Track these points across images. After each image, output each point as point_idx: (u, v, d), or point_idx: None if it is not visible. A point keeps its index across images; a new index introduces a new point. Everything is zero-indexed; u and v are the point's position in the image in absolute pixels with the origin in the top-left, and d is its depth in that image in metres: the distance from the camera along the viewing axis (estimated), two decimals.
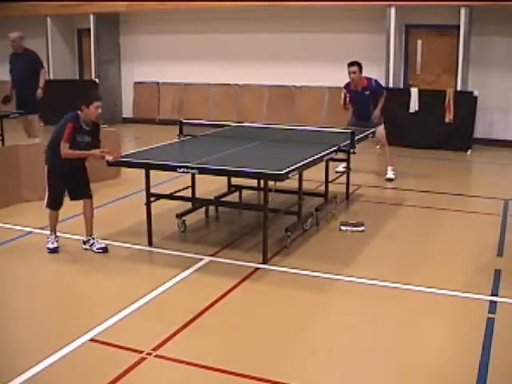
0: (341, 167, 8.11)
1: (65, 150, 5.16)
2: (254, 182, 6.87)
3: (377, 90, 8.16)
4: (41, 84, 9.39)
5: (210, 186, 7.10)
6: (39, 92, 9.40)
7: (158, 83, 13.82)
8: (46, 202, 5.42)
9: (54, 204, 5.42)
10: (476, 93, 10.40)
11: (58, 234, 5.55)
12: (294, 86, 12.57)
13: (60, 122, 5.27)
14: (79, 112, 5.22)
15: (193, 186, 6.36)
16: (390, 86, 11.07)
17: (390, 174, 8.23)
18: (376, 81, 8.28)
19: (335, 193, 6.87)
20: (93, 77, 13.46)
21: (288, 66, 12.44)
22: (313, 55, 12.19)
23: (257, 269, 5.08)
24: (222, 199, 6.64)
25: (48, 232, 5.53)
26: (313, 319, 4.32)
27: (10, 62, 9.66)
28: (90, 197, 5.45)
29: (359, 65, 8.05)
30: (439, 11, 10.88)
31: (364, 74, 8.15)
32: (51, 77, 13.83)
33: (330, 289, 4.82)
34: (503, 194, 7.48)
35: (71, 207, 5.60)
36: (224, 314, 4.32)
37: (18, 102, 9.72)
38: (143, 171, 5.55)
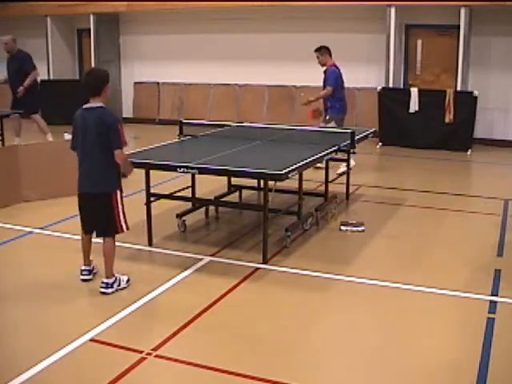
0: (341, 169, 8.12)
1: (123, 155, 4.49)
2: (254, 182, 6.87)
3: (326, 78, 8.59)
4: (25, 83, 9.53)
5: (210, 186, 7.10)
6: (20, 89, 9.53)
7: (158, 83, 13.81)
8: (125, 224, 4.60)
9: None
10: (476, 93, 10.40)
11: (59, 234, 5.52)
12: (294, 86, 12.57)
13: (98, 130, 4.37)
14: (101, 100, 4.42)
15: (193, 186, 6.36)
16: (390, 85, 11.07)
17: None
18: (331, 69, 8.56)
19: (335, 193, 6.87)
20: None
21: (288, 66, 12.43)
22: (313, 55, 12.12)
23: (257, 269, 5.08)
24: (222, 199, 6.64)
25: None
26: (313, 319, 4.32)
27: (7, 64, 9.82)
28: None
29: (318, 49, 8.70)
30: (439, 11, 10.88)
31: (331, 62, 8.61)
32: (51, 77, 13.86)
33: (330, 289, 4.82)
34: (503, 194, 7.48)
35: (71, 207, 5.58)
36: (224, 314, 4.32)
37: (12, 102, 9.83)
38: (143, 171, 5.55)
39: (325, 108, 8.64)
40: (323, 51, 8.65)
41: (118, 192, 4.54)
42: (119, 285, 4.63)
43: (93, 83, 4.45)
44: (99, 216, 4.58)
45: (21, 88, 9.50)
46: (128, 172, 4.71)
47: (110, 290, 4.57)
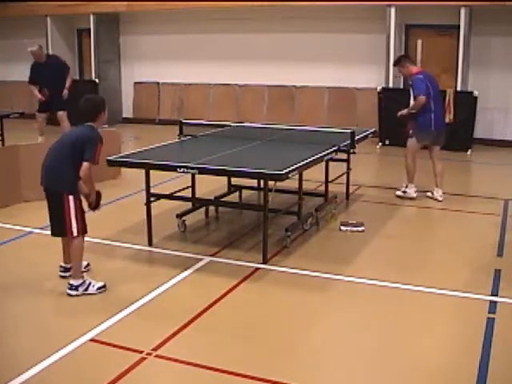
0: (402, 191, 7.33)
1: (89, 171, 4.43)
2: (253, 182, 6.87)
3: (413, 87, 7.19)
4: (67, 85, 9.79)
5: (210, 186, 7.10)
6: (65, 92, 9.77)
7: (158, 83, 13.82)
8: (76, 229, 4.50)
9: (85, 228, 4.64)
10: (476, 93, 10.40)
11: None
12: (294, 85, 12.57)
13: (74, 137, 4.52)
14: (94, 123, 4.56)
15: (193, 186, 6.36)
16: (390, 85, 11.07)
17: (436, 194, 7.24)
18: (417, 77, 7.08)
19: (335, 193, 6.87)
20: (93, 77, 13.47)
21: (288, 66, 12.44)
22: (313, 55, 12.19)
23: (257, 269, 5.08)
24: (222, 199, 6.64)
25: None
26: (313, 319, 4.32)
27: (34, 71, 9.78)
28: None
29: (397, 61, 7.37)
30: (439, 11, 10.88)
31: (415, 68, 7.28)
32: None
33: (330, 289, 4.82)
34: (503, 194, 7.48)
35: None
36: (224, 314, 4.32)
37: (43, 102, 9.86)
38: (143, 171, 5.55)
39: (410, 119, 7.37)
40: (403, 62, 7.27)
41: (71, 197, 4.46)
42: (86, 289, 4.54)
43: (89, 110, 4.56)
44: (52, 213, 4.61)
45: (65, 92, 9.73)
46: (89, 195, 4.58)
47: (73, 292, 4.52)
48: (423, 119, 7.12)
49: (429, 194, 7.27)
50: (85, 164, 4.39)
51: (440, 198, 7.15)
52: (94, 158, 4.43)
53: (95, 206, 4.66)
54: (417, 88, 7.08)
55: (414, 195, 7.23)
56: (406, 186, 7.33)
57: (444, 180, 7.24)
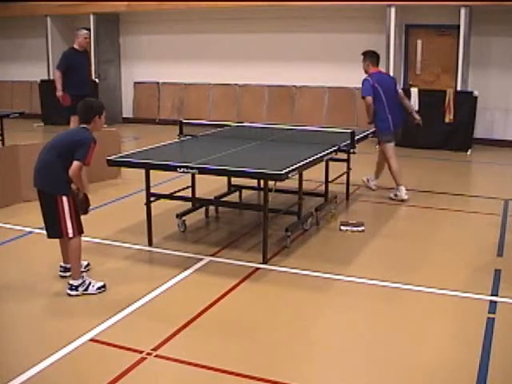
0: (371, 183, 7.65)
1: (79, 171, 4.41)
2: (254, 182, 6.87)
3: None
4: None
5: (210, 186, 7.10)
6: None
7: (158, 83, 13.82)
8: (72, 229, 4.48)
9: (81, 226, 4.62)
10: (476, 93, 10.41)
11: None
12: (294, 85, 12.58)
13: (67, 138, 4.56)
14: (88, 126, 4.55)
15: (193, 186, 6.36)
16: None
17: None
18: (365, 79, 7.17)
19: (335, 193, 6.87)
20: (93, 77, 13.45)
21: (288, 66, 12.44)
22: (313, 55, 12.20)
23: (257, 269, 5.08)
24: (222, 199, 6.64)
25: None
26: (313, 319, 4.32)
27: (70, 60, 8.33)
28: None
29: (365, 53, 7.33)
30: (439, 11, 10.89)
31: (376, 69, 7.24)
32: (51, 77, 13.85)
33: (330, 289, 4.82)
34: (503, 194, 7.48)
35: None
36: (224, 314, 4.32)
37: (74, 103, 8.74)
38: (143, 171, 5.55)
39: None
40: (366, 57, 7.25)
41: (65, 198, 4.44)
42: (86, 289, 4.55)
43: (83, 111, 4.59)
44: (46, 215, 4.57)
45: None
46: (77, 193, 4.51)
47: (73, 292, 4.53)
48: (382, 123, 7.22)
49: (392, 195, 7.25)
50: (75, 163, 4.37)
51: (405, 197, 7.16)
52: (85, 158, 4.40)
53: (84, 210, 4.60)
54: (363, 90, 7.18)
55: (406, 197, 7.19)
56: (397, 189, 7.30)
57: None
